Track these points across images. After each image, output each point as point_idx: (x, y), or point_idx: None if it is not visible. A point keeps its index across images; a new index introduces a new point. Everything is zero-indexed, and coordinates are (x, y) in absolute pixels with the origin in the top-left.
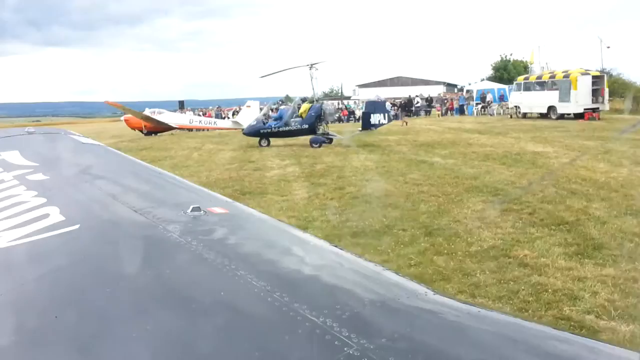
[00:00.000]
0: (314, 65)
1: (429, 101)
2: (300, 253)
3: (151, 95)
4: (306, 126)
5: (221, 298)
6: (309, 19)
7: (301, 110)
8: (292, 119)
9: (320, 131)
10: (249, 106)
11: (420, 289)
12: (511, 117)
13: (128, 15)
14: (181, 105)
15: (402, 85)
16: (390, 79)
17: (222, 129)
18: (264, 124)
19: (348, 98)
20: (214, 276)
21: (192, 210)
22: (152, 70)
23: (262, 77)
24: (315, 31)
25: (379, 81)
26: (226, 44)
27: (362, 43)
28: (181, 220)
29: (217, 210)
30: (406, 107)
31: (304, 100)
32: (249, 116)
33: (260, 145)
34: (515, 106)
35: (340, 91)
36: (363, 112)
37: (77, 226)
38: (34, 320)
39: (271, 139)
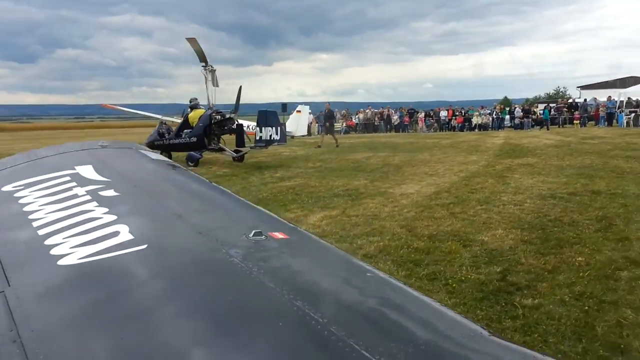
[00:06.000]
0: (208, 65)
1: (573, 107)
2: (361, 285)
3: (399, 96)
4: (194, 139)
5: (279, 330)
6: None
7: (191, 119)
8: (184, 131)
9: (213, 146)
10: (299, 111)
11: (478, 328)
12: None
13: (385, 20)
14: (284, 109)
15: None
16: (620, 79)
17: None
18: (159, 134)
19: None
20: (273, 306)
21: (254, 235)
22: (404, 72)
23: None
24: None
25: (606, 82)
26: (480, 44)
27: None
28: (243, 244)
29: (279, 235)
30: (327, 120)
31: (193, 106)
32: (298, 123)
33: None
34: None
35: (564, 93)
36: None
37: (144, 246)
38: (101, 339)
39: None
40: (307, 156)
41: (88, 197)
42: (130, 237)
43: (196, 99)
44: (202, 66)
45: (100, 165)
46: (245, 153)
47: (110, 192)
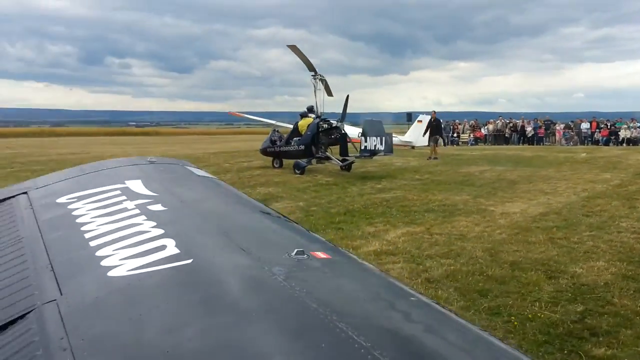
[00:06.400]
0: (317, 74)
1: None
2: (403, 308)
3: (546, 106)
4: (302, 147)
5: (322, 352)
6: None
7: (300, 127)
8: (293, 138)
9: (320, 155)
10: (420, 121)
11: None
12: None
13: (529, 26)
14: (408, 118)
15: None
16: None
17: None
18: (271, 142)
19: None
20: (315, 327)
21: (296, 254)
22: (551, 81)
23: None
24: None
25: None
26: (638, 50)
27: None
28: (286, 263)
29: (320, 255)
30: (435, 132)
31: (305, 113)
32: (419, 133)
33: (273, 166)
34: None
35: None
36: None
37: (190, 260)
38: (148, 350)
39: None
40: (417, 167)
41: (137, 211)
42: (177, 251)
43: (312, 107)
44: (312, 75)
45: (149, 181)
46: (352, 162)
47: (158, 207)
